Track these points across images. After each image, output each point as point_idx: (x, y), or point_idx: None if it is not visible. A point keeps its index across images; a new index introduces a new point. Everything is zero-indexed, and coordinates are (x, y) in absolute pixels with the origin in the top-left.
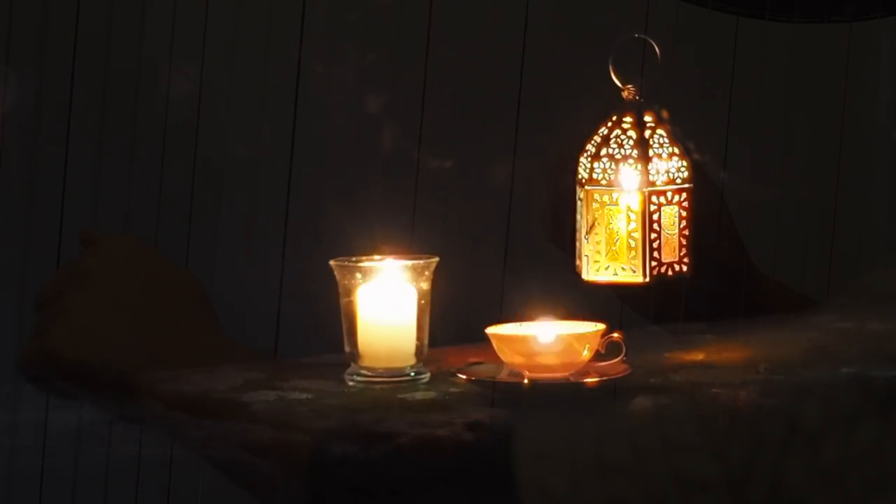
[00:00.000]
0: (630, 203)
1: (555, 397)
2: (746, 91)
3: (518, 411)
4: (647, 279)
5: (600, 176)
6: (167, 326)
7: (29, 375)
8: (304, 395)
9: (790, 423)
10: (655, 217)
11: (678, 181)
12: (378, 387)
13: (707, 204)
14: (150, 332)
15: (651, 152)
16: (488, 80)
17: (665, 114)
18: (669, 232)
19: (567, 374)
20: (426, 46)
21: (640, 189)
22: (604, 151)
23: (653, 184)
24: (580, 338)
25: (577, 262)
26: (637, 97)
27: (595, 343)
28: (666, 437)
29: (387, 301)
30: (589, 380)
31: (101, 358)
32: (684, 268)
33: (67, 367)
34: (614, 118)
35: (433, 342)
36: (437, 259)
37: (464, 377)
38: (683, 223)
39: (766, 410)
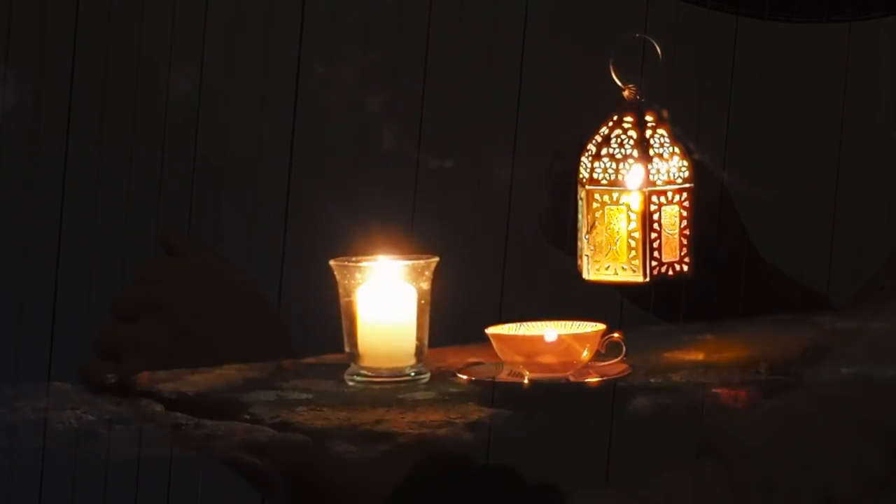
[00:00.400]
0: (630, 203)
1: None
2: (746, 91)
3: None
4: (647, 279)
5: (601, 176)
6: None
7: (91, 388)
8: (304, 395)
9: (826, 496)
10: (656, 217)
11: (679, 181)
12: (378, 387)
13: (709, 198)
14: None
15: (652, 152)
16: (488, 80)
17: (665, 113)
18: (670, 232)
19: (567, 373)
20: (426, 46)
21: (640, 189)
22: (604, 151)
23: (653, 183)
24: (580, 338)
25: (578, 261)
26: (638, 97)
27: (595, 343)
28: None
29: (387, 301)
30: (589, 380)
31: (172, 392)
32: (685, 267)
33: (139, 395)
34: (615, 118)
35: (433, 342)
36: (437, 259)
37: (464, 377)
38: (684, 223)
39: (800, 485)
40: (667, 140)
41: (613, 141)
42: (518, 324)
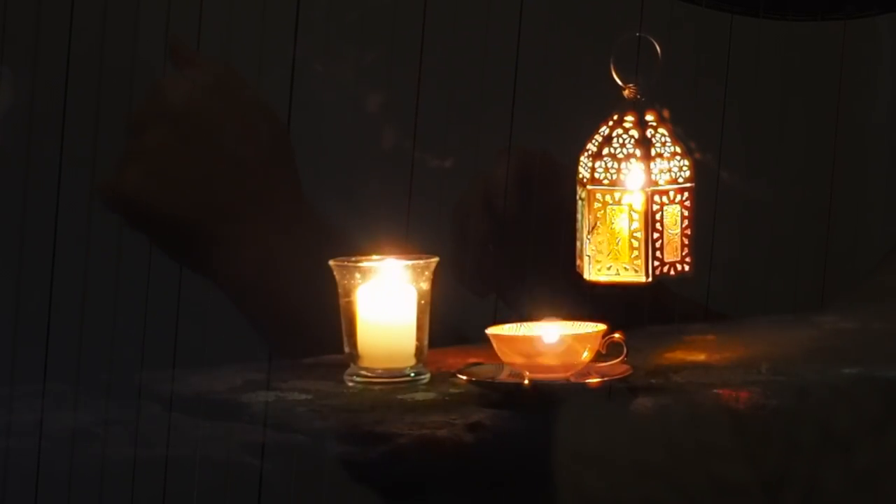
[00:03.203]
0: (633, 203)
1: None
2: (742, 90)
3: (555, 414)
4: (650, 279)
5: (602, 175)
6: (244, 181)
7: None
8: (304, 396)
9: (823, 429)
10: (658, 217)
11: (680, 180)
12: (378, 387)
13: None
14: (224, 184)
15: (653, 151)
16: (485, 79)
17: (666, 113)
18: (672, 231)
19: (568, 374)
20: (421, 44)
21: (642, 188)
22: (606, 151)
23: (655, 183)
24: (581, 338)
25: (579, 261)
26: (638, 96)
27: (596, 343)
28: (701, 441)
29: (386, 301)
30: (590, 380)
31: (168, 205)
32: (686, 267)
33: (137, 210)
34: (615, 117)
35: (433, 343)
36: (437, 259)
37: (464, 378)
38: (685, 222)
39: (799, 416)
40: (668, 139)
41: (615, 140)
42: (518, 324)
